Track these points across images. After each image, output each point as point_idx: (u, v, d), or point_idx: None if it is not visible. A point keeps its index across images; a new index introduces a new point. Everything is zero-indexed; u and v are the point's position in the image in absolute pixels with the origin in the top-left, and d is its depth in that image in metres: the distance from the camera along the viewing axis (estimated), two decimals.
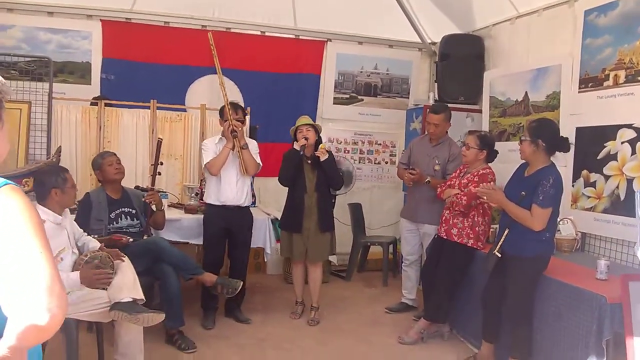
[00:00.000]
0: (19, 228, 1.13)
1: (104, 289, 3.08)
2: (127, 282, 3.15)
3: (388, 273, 5.72)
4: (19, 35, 5.18)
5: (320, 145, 4.30)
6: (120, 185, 4.07)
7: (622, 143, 3.77)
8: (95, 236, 3.54)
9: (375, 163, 6.49)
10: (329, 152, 4.41)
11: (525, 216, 3.26)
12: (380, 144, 6.50)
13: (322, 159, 4.28)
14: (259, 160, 4.31)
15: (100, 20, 5.42)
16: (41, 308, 1.07)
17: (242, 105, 4.40)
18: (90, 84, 5.41)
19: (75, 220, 3.49)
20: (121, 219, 3.97)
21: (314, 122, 4.58)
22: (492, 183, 3.61)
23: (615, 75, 3.86)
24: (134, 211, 4.04)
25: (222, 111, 4.28)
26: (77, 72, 5.41)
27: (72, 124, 4.90)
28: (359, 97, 6.34)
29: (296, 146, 4.30)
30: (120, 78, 5.48)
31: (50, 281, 1.10)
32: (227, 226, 4.27)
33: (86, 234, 3.48)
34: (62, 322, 1.12)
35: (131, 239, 3.44)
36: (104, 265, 3.14)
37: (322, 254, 4.45)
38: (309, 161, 4.37)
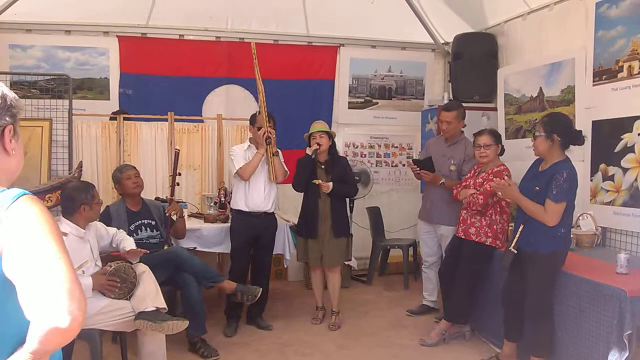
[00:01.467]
0: (37, 235, 1.17)
1: (118, 296, 3.15)
2: (150, 292, 3.22)
3: (409, 276, 5.70)
4: (38, 54, 5.32)
5: (314, 182, 4.29)
6: (139, 197, 4.15)
7: (639, 134, 3.72)
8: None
9: (392, 166, 6.48)
10: (344, 158, 4.43)
11: (539, 211, 3.24)
12: (396, 147, 6.49)
13: (327, 192, 4.30)
14: (286, 168, 4.38)
15: (117, 36, 5.54)
16: (62, 311, 1.11)
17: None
18: (109, 99, 5.54)
19: None
20: (141, 231, 4.05)
21: (329, 126, 4.61)
22: (506, 177, 3.58)
23: (630, 66, 3.81)
24: (153, 222, 4.12)
25: (253, 119, 4.35)
26: (96, 88, 5.54)
27: (92, 139, 5.02)
28: (374, 100, 6.35)
29: (308, 151, 4.34)
30: (138, 92, 5.59)
31: (70, 285, 1.14)
32: (254, 234, 4.32)
33: (122, 230, 3.59)
34: (82, 326, 1.16)
35: (147, 251, 3.52)
36: (127, 275, 3.22)
37: (337, 259, 4.45)
38: (323, 167, 4.39)
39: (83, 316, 1.14)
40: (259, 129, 4.22)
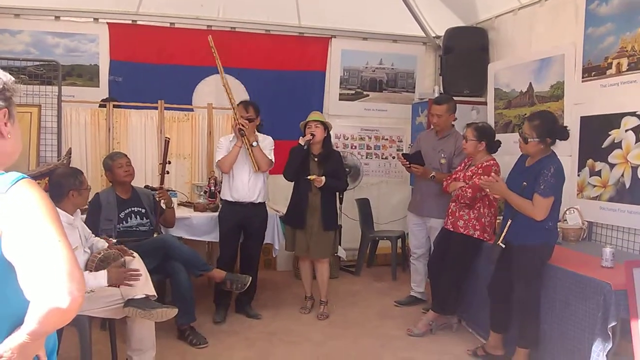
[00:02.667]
0: (37, 218, 1.18)
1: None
2: (139, 280, 3.21)
3: (397, 267, 5.75)
4: (27, 39, 5.26)
5: (309, 177, 4.30)
6: (129, 185, 4.13)
7: (627, 131, 3.78)
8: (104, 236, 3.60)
9: (382, 158, 6.51)
10: (337, 152, 4.45)
11: (527, 206, 3.28)
12: (387, 139, 6.52)
13: (319, 186, 4.31)
14: (271, 157, 4.35)
15: (107, 23, 5.49)
16: (63, 291, 1.12)
17: (254, 103, 4.43)
18: (98, 87, 5.49)
19: (85, 222, 3.55)
20: (131, 218, 4.04)
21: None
22: (494, 174, 3.62)
23: (618, 63, 3.86)
24: (143, 210, 4.11)
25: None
26: (86, 74, 5.49)
27: (81, 126, 4.98)
28: (365, 92, 6.37)
29: (301, 141, 4.34)
30: (127, 80, 5.55)
31: (69, 266, 1.15)
32: (241, 222, 4.33)
33: (93, 235, 3.54)
34: (77, 313, 1.18)
35: (134, 255, 3.45)
36: (115, 262, 3.21)
37: (324, 251, 4.47)
38: (316, 159, 4.40)
39: (82, 297, 1.15)
40: None
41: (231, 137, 4.38)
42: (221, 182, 4.60)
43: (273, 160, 4.37)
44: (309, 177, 4.29)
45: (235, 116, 4.20)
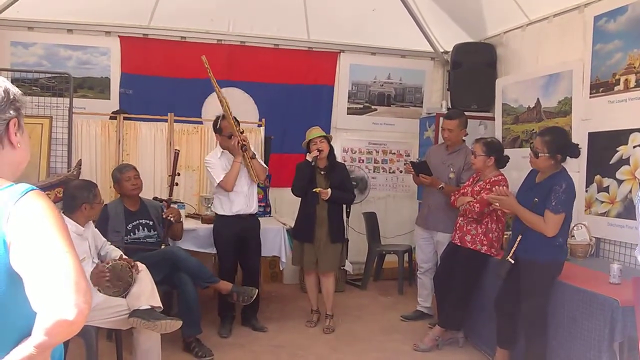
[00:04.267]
0: (45, 230, 1.19)
1: (114, 294, 3.15)
2: (145, 290, 3.23)
3: (403, 281, 5.73)
4: (40, 52, 5.34)
5: (315, 190, 4.31)
6: (138, 197, 4.16)
7: (634, 147, 3.77)
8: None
9: (389, 172, 6.52)
10: (342, 164, 4.48)
11: (538, 222, 3.28)
12: (394, 153, 6.53)
13: (326, 199, 4.33)
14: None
15: (119, 36, 5.57)
16: (69, 304, 1.12)
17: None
18: (109, 99, 5.56)
19: None
20: (138, 230, 4.07)
21: (327, 132, 4.64)
22: (504, 189, 3.62)
23: (626, 79, 3.87)
24: (151, 222, 4.13)
25: (217, 128, 4.28)
26: (97, 87, 5.56)
27: (92, 138, 5.02)
28: (373, 107, 6.40)
29: (308, 157, 4.36)
30: (138, 92, 5.62)
31: (76, 278, 1.15)
32: (241, 234, 4.32)
33: (109, 243, 3.58)
34: (84, 325, 1.18)
35: (141, 269, 3.47)
36: (123, 273, 3.23)
37: (332, 264, 4.48)
38: (322, 172, 4.42)
39: (89, 309, 1.15)
40: (229, 136, 4.20)
41: (218, 153, 4.34)
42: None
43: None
44: (315, 190, 4.30)
45: (237, 133, 4.19)
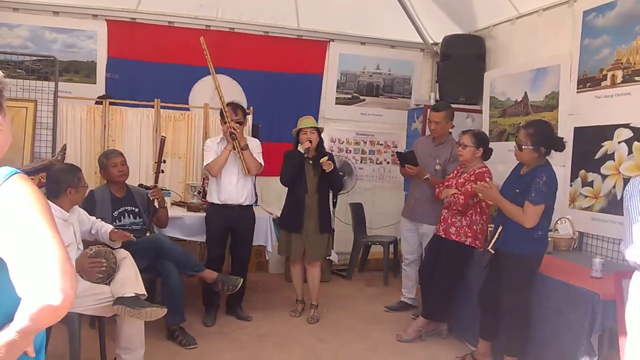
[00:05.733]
0: (30, 214, 1.17)
1: (98, 280, 3.14)
2: (130, 278, 3.22)
3: (388, 272, 5.75)
4: (25, 34, 5.25)
5: (322, 159, 4.29)
6: (124, 184, 4.13)
7: (619, 143, 3.81)
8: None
9: (376, 163, 6.53)
10: (330, 154, 4.47)
11: (518, 213, 3.31)
12: (382, 144, 6.54)
13: (328, 171, 4.30)
14: (261, 160, 4.34)
15: (106, 19, 5.48)
16: (55, 288, 1.11)
17: (243, 105, 4.42)
18: (95, 83, 5.49)
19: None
20: (124, 217, 4.04)
21: (317, 121, 4.61)
22: (488, 180, 3.64)
23: (613, 75, 3.90)
24: (136, 209, 4.10)
25: (222, 113, 4.30)
26: (83, 71, 5.48)
27: (77, 123, 4.95)
28: (361, 97, 6.39)
29: (301, 149, 4.33)
30: (124, 77, 5.56)
31: (62, 263, 1.14)
32: (229, 224, 4.32)
33: (95, 218, 3.56)
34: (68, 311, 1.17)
35: (125, 256, 3.49)
36: (107, 260, 3.21)
37: (319, 254, 4.49)
38: (311, 162, 4.41)
39: (74, 294, 1.14)
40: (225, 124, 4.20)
41: (218, 139, 4.36)
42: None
43: (262, 164, 4.36)
44: (321, 161, 4.26)
45: (227, 119, 4.16)
